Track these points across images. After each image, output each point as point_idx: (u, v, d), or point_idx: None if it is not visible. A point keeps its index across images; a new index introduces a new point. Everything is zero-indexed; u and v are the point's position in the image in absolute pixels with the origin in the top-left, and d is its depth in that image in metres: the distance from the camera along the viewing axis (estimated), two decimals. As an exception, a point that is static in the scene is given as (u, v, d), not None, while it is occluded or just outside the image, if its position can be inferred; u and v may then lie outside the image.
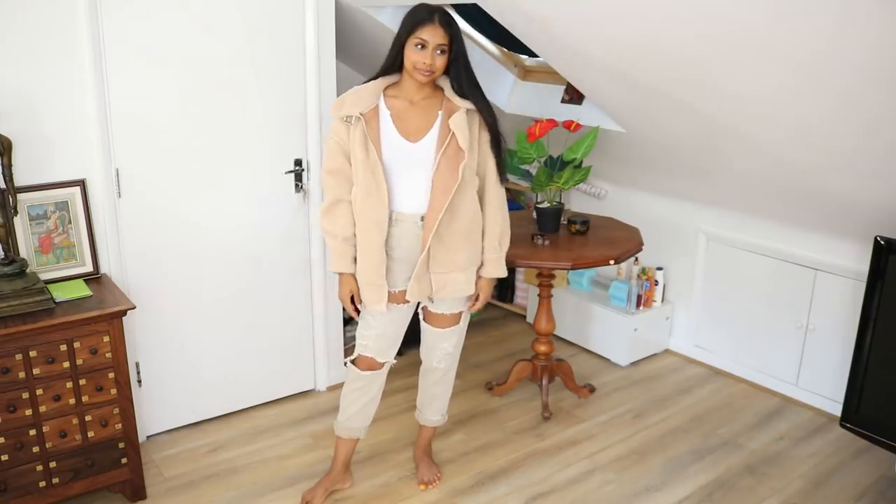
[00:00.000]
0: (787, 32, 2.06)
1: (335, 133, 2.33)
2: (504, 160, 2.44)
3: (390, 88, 2.33)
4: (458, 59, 2.26)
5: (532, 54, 3.78)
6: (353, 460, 2.85)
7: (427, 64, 2.19)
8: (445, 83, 2.33)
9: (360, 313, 2.49)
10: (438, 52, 2.20)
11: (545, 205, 3.23)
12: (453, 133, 2.28)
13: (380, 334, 2.46)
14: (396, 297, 2.42)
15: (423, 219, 2.33)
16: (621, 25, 2.46)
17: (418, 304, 2.54)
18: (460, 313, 2.54)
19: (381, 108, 2.31)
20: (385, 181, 2.28)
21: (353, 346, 2.53)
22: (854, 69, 2.07)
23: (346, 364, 2.59)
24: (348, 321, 3.70)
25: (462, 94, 2.31)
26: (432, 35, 2.18)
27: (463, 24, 3.81)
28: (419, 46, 2.19)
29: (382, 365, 2.52)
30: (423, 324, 2.58)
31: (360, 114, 2.26)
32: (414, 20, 2.20)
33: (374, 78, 2.34)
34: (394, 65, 2.29)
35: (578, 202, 4.17)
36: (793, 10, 1.95)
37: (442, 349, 2.58)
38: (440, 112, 2.32)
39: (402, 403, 3.31)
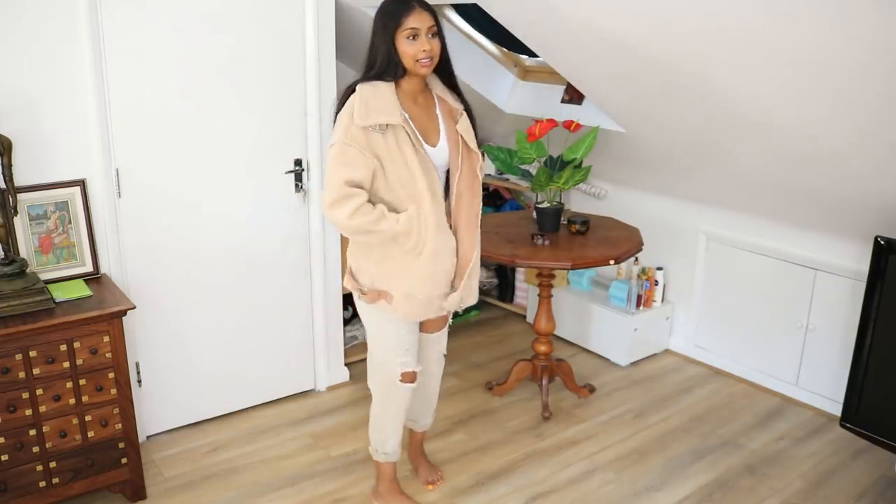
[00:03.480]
0: (784, 31, 2.06)
1: (355, 142, 2.09)
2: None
3: (396, 89, 2.18)
4: (444, 48, 2.18)
5: (532, 54, 3.78)
6: (351, 460, 2.87)
7: (427, 51, 2.09)
8: (433, 79, 2.26)
9: (389, 329, 2.33)
10: (431, 35, 2.11)
11: (545, 205, 3.23)
12: (461, 135, 2.25)
13: (409, 347, 2.38)
14: None
15: None
16: (622, 24, 2.46)
17: None
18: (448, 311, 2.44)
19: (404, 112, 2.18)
20: (439, 187, 2.19)
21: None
22: (852, 68, 2.07)
23: (393, 384, 2.42)
24: (348, 321, 3.70)
25: (451, 87, 2.27)
26: (420, 20, 2.08)
27: (463, 24, 3.82)
28: (412, 37, 2.09)
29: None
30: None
31: (402, 122, 2.11)
32: (396, 13, 2.09)
33: (373, 79, 2.15)
34: (388, 68, 2.13)
35: (578, 202, 4.17)
36: (790, 8, 1.95)
37: (437, 352, 2.55)
38: (437, 112, 2.27)
39: (402, 403, 3.31)
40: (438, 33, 2.14)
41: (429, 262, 2.20)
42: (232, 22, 2.86)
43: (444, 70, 2.25)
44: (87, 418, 2.45)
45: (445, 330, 2.56)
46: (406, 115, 2.16)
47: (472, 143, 2.26)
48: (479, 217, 2.31)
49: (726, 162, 3.08)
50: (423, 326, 2.47)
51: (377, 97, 2.11)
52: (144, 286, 2.86)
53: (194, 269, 2.98)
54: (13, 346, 2.28)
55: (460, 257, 2.28)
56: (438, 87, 2.28)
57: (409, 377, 2.40)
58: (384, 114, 2.10)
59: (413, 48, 2.10)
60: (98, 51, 2.58)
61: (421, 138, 2.19)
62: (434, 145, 2.23)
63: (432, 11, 2.13)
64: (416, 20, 2.08)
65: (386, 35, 2.11)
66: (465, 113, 2.27)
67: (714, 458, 2.96)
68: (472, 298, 2.38)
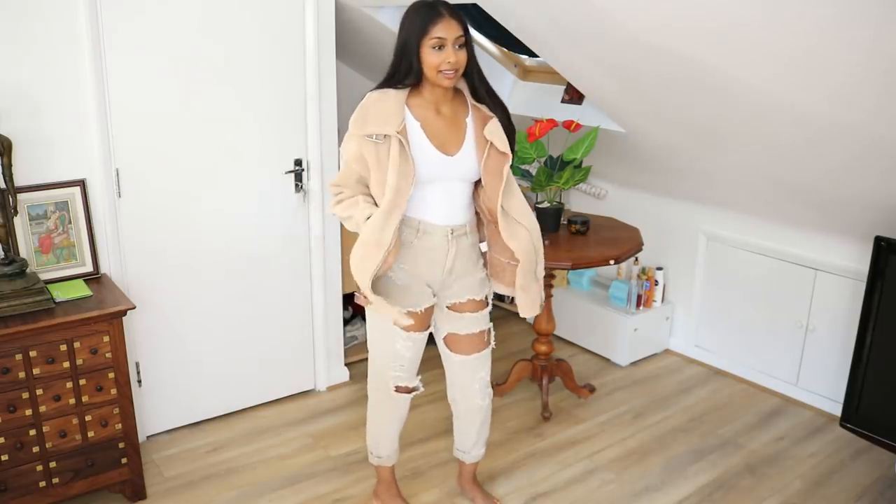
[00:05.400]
0: (783, 28, 2.06)
1: (348, 149, 2.14)
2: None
3: (412, 97, 2.13)
4: (472, 57, 2.11)
5: (532, 54, 3.78)
6: (351, 461, 2.88)
7: (452, 63, 2.02)
8: (464, 86, 2.19)
9: (386, 339, 2.30)
10: (457, 46, 2.03)
11: (545, 205, 3.23)
12: (490, 142, 2.15)
13: (406, 364, 2.33)
14: (423, 318, 2.26)
15: (453, 231, 2.21)
16: (622, 21, 2.46)
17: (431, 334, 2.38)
18: (489, 329, 2.39)
19: (409, 122, 2.10)
20: (404, 200, 2.09)
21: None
22: (851, 65, 2.07)
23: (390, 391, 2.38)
24: (348, 321, 3.70)
25: (479, 99, 2.19)
26: (448, 30, 2.00)
27: (463, 24, 3.81)
28: (438, 47, 2.01)
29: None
30: (451, 361, 2.39)
31: (397, 132, 2.05)
32: (423, 20, 2.01)
33: (386, 85, 2.13)
34: (409, 74, 2.08)
35: (578, 202, 4.17)
36: (789, 5, 1.95)
37: (478, 380, 2.39)
38: (468, 120, 2.18)
39: (402, 403, 3.31)
40: (467, 44, 2.06)
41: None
42: (232, 22, 2.86)
43: (470, 80, 2.17)
44: (87, 418, 2.45)
45: (483, 355, 2.38)
46: (417, 124, 2.11)
47: (501, 145, 2.15)
48: (505, 216, 2.22)
49: (726, 160, 3.08)
50: (457, 348, 2.36)
51: (378, 106, 2.08)
52: (144, 286, 2.86)
53: (194, 269, 2.98)
54: (13, 346, 2.28)
55: (519, 253, 2.27)
56: (470, 96, 2.21)
57: (405, 389, 2.37)
58: (379, 125, 2.06)
59: (437, 58, 2.02)
60: (98, 51, 2.58)
61: (434, 146, 2.12)
62: (451, 155, 2.15)
63: (462, 21, 2.05)
64: (444, 30, 2.01)
65: (410, 41, 2.04)
66: (493, 117, 2.18)
67: (714, 458, 2.96)
68: (528, 308, 2.34)
